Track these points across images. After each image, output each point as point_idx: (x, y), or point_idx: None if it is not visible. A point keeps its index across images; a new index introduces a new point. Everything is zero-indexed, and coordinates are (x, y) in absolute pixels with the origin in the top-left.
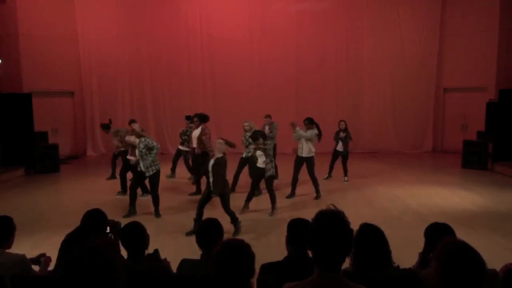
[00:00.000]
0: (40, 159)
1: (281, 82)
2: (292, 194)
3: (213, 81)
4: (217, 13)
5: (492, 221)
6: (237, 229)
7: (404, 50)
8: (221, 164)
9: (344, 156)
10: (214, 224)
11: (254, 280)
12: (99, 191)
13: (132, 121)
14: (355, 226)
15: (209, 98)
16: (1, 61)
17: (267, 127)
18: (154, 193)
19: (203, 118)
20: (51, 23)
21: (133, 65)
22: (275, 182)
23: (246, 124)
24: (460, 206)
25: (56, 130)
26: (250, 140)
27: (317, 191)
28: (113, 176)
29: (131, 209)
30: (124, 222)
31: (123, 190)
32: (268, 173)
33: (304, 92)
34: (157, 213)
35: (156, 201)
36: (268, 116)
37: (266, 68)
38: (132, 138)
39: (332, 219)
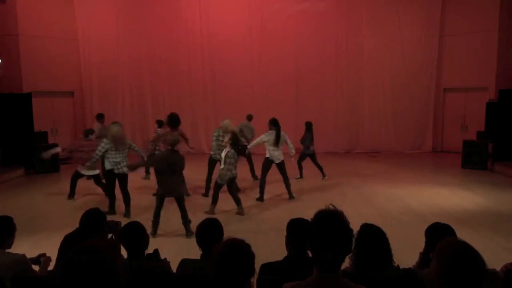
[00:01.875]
0: (40, 159)
1: (281, 82)
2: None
3: (213, 81)
4: (217, 13)
5: (492, 221)
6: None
7: (404, 50)
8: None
9: (312, 155)
10: (214, 224)
11: (254, 280)
12: (99, 191)
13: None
14: (354, 226)
15: (209, 98)
16: (1, 61)
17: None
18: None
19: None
20: (51, 23)
21: (133, 65)
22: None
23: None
24: (460, 206)
25: (56, 130)
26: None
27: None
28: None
29: (127, 209)
30: (124, 222)
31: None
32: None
33: (304, 92)
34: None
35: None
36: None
37: (266, 68)
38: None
39: (331, 219)
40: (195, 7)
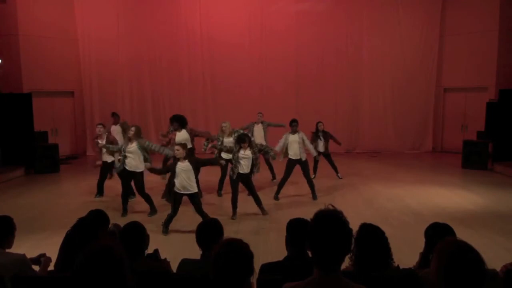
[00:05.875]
0: (40, 159)
1: (280, 82)
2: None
3: (213, 81)
4: (217, 13)
5: (492, 221)
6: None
7: (404, 50)
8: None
9: (327, 155)
10: (214, 224)
11: (254, 280)
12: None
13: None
14: (354, 226)
15: (209, 98)
16: (1, 61)
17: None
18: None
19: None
20: (51, 23)
21: (133, 65)
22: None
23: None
24: (460, 206)
25: (56, 130)
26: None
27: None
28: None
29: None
30: (122, 222)
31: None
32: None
33: (304, 92)
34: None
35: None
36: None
37: (266, 68)
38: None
39: (331, 219)
40: (195, 7)
